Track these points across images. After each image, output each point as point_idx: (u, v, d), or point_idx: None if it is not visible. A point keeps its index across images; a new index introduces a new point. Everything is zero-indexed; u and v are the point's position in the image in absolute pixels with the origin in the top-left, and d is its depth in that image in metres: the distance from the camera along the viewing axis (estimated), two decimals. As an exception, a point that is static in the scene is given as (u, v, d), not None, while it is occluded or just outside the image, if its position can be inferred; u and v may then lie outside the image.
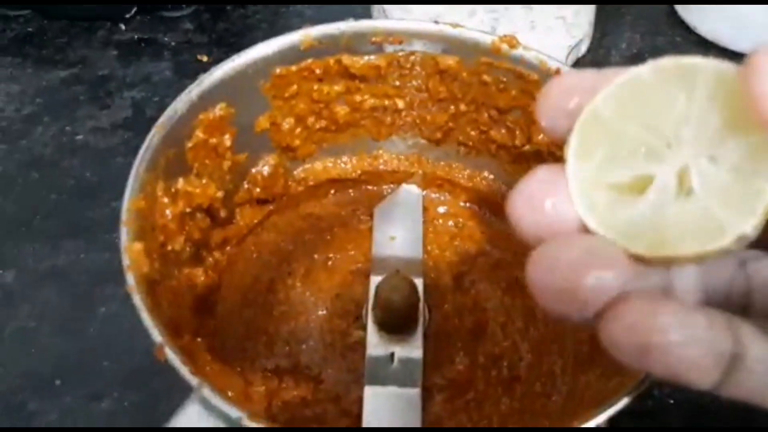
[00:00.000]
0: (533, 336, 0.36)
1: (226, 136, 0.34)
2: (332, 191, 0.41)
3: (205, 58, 0.56)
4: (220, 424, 0.23)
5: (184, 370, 0.23)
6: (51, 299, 0.43)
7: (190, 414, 0.23)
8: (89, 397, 0.40)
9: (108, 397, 0.40)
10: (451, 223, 0.40)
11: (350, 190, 0.41)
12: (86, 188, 0.48)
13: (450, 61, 0.35)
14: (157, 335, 0.24)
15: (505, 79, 0.35)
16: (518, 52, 0.34)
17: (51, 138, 0.50)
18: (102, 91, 0.53)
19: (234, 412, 0.23)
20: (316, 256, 0.39)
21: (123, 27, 0.58)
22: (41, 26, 0.58)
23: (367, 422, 0.33)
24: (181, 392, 0.39)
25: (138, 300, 0.25)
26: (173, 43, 0.57)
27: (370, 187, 0.41)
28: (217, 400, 0.23)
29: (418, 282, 0.36)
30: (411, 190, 0.40)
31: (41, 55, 0.55)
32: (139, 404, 0.39)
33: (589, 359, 0.34)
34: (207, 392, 0.23)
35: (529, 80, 0.34)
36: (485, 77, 0.35)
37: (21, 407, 0.39)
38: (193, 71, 0.56)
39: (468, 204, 0.41)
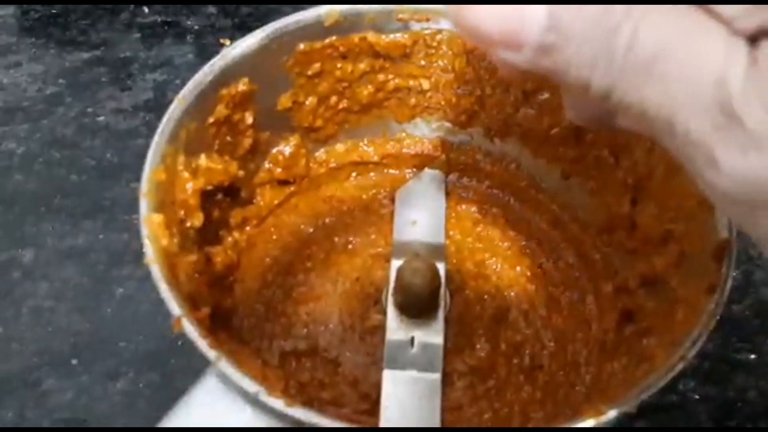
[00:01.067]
0: (556, 324, 0.35)
1: (248, 113, 0.33)
2: (354, 174, 0.40)
3: (227, 42, 0.55)
4: (238, 400, 0.23)
5: (202, 343, 0.23)
6: (69, 279, 0.43)
7: (208, 387, 0.23)
8: (105, 376, 0.39)
9: (124, 376, 0.39)
10: (474, 208, 0.39)
11: (372, 173, 0.40)
12: (106, 169, 0.48)
13: (478, 40, 0.34)
14: (175, 307, 0.24)
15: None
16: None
17: (72, 119, 0.50)
18: (124, 73, 0.53)
19: (251, 387, 0.22)
20: (336, 239, 0.38)
21: (146, 9, 0.57)
22: (65, 8, 0.57)
23: (385, 406, 0.32)
24: (196, 373, 0.38)
25: (156, 271, 0.24)
26: (196, 27, 0.56)
27: (392, 171, 0.40)
28: (234, 374, 0.23)
29: (440, 266, 0.35)
30: (434, 174, 0.40)
31: (64, 37, 0.55)
32: (155, 384, 0.39)
33: (614, 348, 0.33)
34: (224, 366, 0.23)
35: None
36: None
37: (36, 384, 0.39)
38: (215, 54, 0.56)
39: (492, 189, 0.40)
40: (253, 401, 0.23)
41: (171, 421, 0.24)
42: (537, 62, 0.19)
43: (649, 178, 0.32)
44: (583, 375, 0.33)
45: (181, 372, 0.39)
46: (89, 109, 0.51)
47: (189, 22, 0.57)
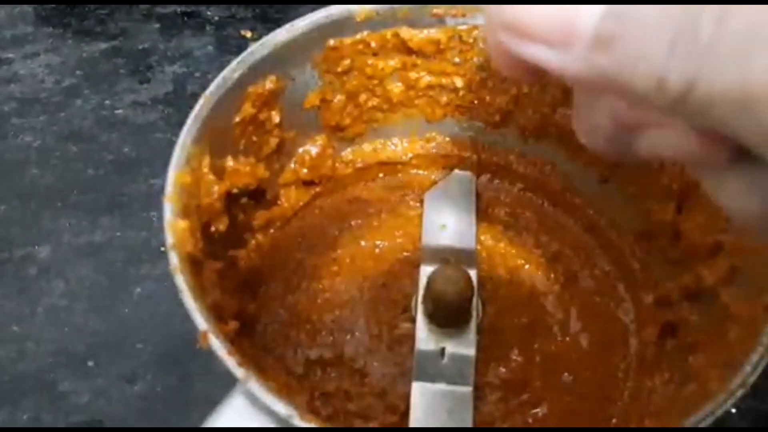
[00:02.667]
0: (593, 335, 0.34)
1: (275, 112, 0.32)
2: (381, 174, 0.39)
3: (248, 34, 0.54)
4: (268, 422, 0.21)
5: (230, 361, 0.22)
6: (86, 277, 0.42)
7: (235, 408, 0.22)
8: (122, 378, 0.38)
9: (141, 379, 0.38)
10: (505, 212, 0.38)
11: (400, 174, 0.39)
12: (124, 164, 0.46)
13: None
14: (201, 321, 0.22)
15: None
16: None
17: (90, 111, 0.49)
18: (143, 65, 0.52)
19: (283, 409, 0.21)
20: (363, 242, 0.37)
21: (165, -1, 0.56)
22: (83, -3, 0.56)
23: (415, 419, 0.31)
24: (216, 377, 0.37)
25: (181, 282, 0.23)
26: (216, 18, 0.55)
27: (420, 172, 0.39)
28: (264, 395, 0.21)
29: (472, 274, 0.33)
30: (464, 176, 0.38)
31: (82, 27, 0.54)
32: (173, 388, 0.38)
33: (654, 362, 0.32)
34: (254, 386, 0.21)
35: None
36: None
37: (52, 386, 0.38)
38: (236, 47, 0.54)
39: (525, 192, 0.38)
40: (285, 422, 0.21)
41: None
42: (592, 62, 0.16)
43: (697, 185, 0.30)
44: (621, 389, 0.32)
45: (200, 376, 0.38)
46: (107, 102, 0.49)
47: (209, 13, 0.55)
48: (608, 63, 0.16)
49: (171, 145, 0.48)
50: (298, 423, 0.21)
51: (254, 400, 0.22)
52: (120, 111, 0.49)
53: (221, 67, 0.52)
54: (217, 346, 0.22)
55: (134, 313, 0.41)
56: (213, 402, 0.37)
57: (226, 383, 0.38)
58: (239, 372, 0.22)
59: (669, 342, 0.31)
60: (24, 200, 0.45)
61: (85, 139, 0.47)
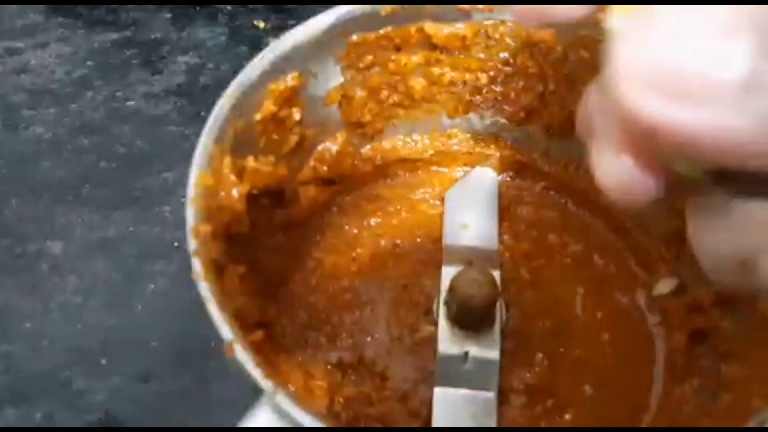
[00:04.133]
0: (620, 340, 0.33)
1: (295, 109, 0.31)
2: (401, 172, 0.38)
3: (261, 24, 0.53)
4: (296, 435, 0.21)
5: (257, 373, 0.21)
6: (99, 273, 0.41)
7: (260, 421, 0.21)
8: (137, 377, 0.38)
9: (156, 378, 0.38)
10: (528, 211, 0.37)
11: (420, 172, 0.38)
12: (137, 157, 0.46)
13: (544, 33, 0.32)
14: (227, 332, 0.22)
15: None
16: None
17: (102, 103, 0.48)
18: (155, 56, 0.51)
19: (311, 423, 0.20)
20: (382, 242, 0.36)
21: (177, -12, 0.55)
22: (93, -15, 0.55)
23: (437, 425, 0.30)
24: (232, 377, 0.37)
25: (205, 289, 0.22)
26: (229, 8, 0.54)
27: (441, 169, 0.38)
28: (293, 409, 0.20)
29: (495, 275, 0.33)
30: (486, 174, 0.37)
31: (92, 16, 0.53)
32: (188, 387, 0.38)
33: (684, 370, 0.31)
34: (282, 399, 0.21)
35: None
36: (583, 53, 0.31)
37: (67, 384, 0.38)
38: (249, 37, 0.53)
39: (548, 191, 0.37)
40: (313, 437, 0.21)
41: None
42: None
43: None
44: (649, 396, 0.31)
45: (216, 375, 0.38)
46: (119, 93, 0.48)
47: (221, 3, 0.54)
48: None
49: (184, 138, 0.48)
50: (328, 438, 0.20)
51: (281, 413, 0.21)
52: (132, 103, 0.48)
53: (234, 58, 0.51)
54: (244, 357, 0.21)
55: (148, 311, 0.40)
56: (230, 402, 0.37)
57: (244, 384, 0.38)
58: (266, 385, 0.21)
59: (699, 349, 0.30)
60: (36, 194, 0.44)
61: (97, 131, 0.47)
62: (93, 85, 0.49)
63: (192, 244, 0.23)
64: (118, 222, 0.43)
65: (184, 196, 0.44)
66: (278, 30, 0.52)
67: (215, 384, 0.38)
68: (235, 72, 0.50)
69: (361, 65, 0.32)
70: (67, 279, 0.41)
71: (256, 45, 0.51)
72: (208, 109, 0.50)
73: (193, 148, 0.46)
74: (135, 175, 0.45)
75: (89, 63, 0.50)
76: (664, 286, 0.33)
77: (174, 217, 0.43)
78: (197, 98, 0.49)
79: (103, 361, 0.38)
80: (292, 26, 0.51)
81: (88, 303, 0.40)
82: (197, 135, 0.46)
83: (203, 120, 0.47)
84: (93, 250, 0.42)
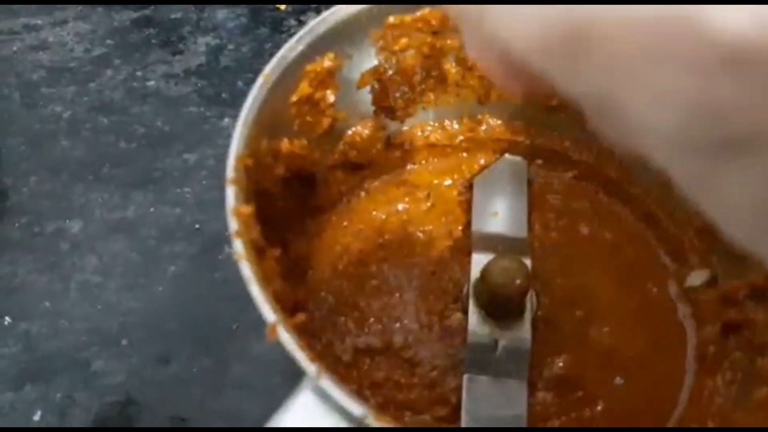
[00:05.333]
0: (650, 330, 0.33)
1: (329, 91, 0.30)
2: (429, 157, 0.37)
3: (282, 7, 0.52)
4: (340, 422, 0.20)
5: (301, 356, 0.20)
6: (118, 253, 0.41)
7: (304, 405, 0.21)
8: (157, 359, 0.38)
9: (176, 360, 0.38)
10: (558, 200, 0.37)
11: (449, 158, 0.37)
12: (157, 138, 0.45)
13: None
14: (269, 312, 0.21)
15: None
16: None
17: (121, 82, 0.47)
18: (174, 36, 0.50)
19: (356, 409, 0.20)
20: (410, 228, 0.35)
21: (197, -33, 0.54)
22: (112, -38, 0.54)
23: (467, 412, 0.30)
24: (253, 359, 0.37)
25: (247, 270, 0.22)
26: (249, -11, 0.53)
27: (470, 155, 0.37)
28: (337, 394, 0.20)
29: (526, 263, 0.32)
30: (515, 161, 0.37)
31: (111, -6, 0.52)
32: (208, 369, 0.37)
33: (715, 362, 0.31)
34: (326, 383, 0.20)
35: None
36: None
37: (86, 365, 0.37)
38: (269, 19, 0.53)
39: (578, 180, 0.37)
40: (358, 422, 0.20)
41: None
42: None
43: None
44: (680, 389, 0.31)
45: (236, 357, 0.38)
46: (138, 73, 0.48)
47: (242, -17, 0.53)
48: None
49: (204, 120, 0.47)
50: (373, 423, 0.20)
51: (325, 398, 0.21)
52: (152, 83, 0.47)
53: (255, 40, 0.51)
54: (287, 339, 0.21)
55: (168, 292, 0.40)
56: (249, 385, 0.36)
57: (264, 366, 0.37)
58: (311, 369, 0.20)
59: (732, 341, 0.30)
60: (54, 173, 0.43)
61: (116, 110, 0.46)
62: (112, 64, 0.48)
63: (233, 224, 0.23)
64: (138, 203, 0.42)
65: (204, 179, 0.44)
66: (299, 12, 0.52)
67: (235, 366, 0.37)
68: (255, 54, 0.50)
69: (396, 48, 0.32)
70: (86, 259, 0.40)
71: (277, 27, 0.51)
72: (229, 90, 0.49)
73: (213, 129, 0.46)
74: (155, 155, 0.44)
75: (108, 42, 0.49)
76: (697, 278, 0.33)
77: (194, 198, 0.43)
78: (217, 80, 0.48)
79: (123, 342, 0.38)
80: (314, 9, 0.50)
81: (107, 284, 0.40)
82: (217, 117, 0.46)
83: (224, 102, 0.47)
84: (112, 231, 0.41)
